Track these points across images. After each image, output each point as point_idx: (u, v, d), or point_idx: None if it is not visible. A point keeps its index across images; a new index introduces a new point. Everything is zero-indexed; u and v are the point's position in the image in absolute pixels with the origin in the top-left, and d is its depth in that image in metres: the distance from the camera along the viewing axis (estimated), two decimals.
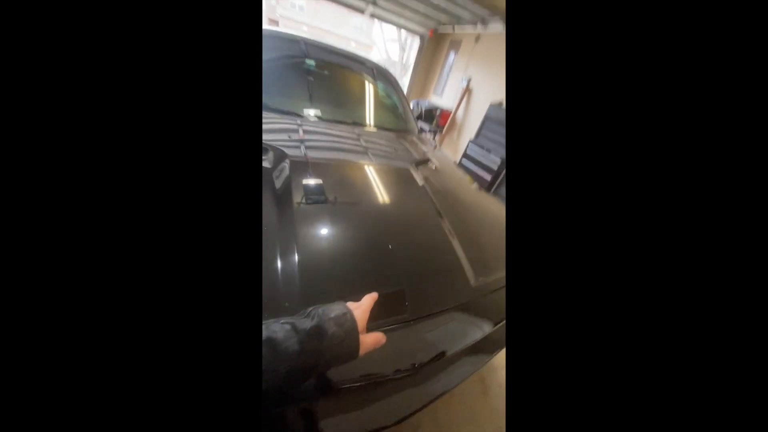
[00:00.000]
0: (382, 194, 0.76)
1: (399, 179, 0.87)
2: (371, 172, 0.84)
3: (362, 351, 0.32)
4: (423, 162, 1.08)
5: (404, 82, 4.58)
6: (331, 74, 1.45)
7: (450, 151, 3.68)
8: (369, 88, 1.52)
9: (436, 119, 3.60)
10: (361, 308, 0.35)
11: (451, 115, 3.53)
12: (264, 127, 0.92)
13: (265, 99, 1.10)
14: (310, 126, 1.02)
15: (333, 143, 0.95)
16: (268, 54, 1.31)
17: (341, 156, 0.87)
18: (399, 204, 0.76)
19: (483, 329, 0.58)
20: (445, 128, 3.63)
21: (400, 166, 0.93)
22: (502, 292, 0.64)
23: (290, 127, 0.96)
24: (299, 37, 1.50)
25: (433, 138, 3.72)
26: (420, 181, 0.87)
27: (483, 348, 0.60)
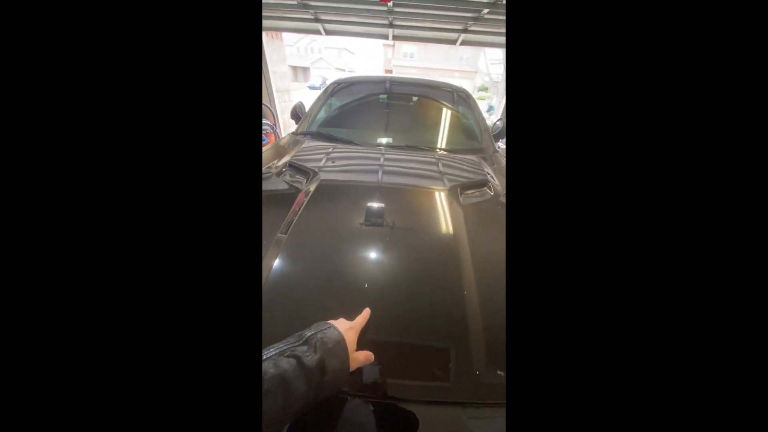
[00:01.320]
0: (402, 217, 0.68)
1: (430, 200, 0.78)
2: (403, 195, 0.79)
3: (353, 368, 0.34)
4: (473, 185, 0.88)
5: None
6: (405, 104, 1.55)
7: None
8: (443, 112, 1.52)
9: None
10: (354, 329, 0.36)
11: None
12: (345, 153, 1.06)
13: (347, 134, 1.29)
14: (376, 153, 1.09)
15: (389, 166, 0.96)
16: (352, 97, 1.60)
17: (389, 179, 0.87)
18: (414, 232, 0.65)
19: None
20: None
21: (430, 187, 0.83)
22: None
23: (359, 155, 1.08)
24: (385, 77, 1.72)
25: None
26: (454, 206, 0.72)
27: None
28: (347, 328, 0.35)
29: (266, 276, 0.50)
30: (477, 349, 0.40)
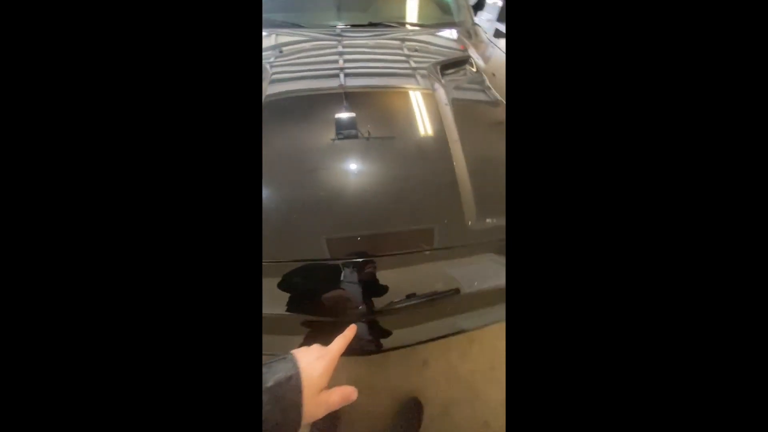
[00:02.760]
0: (386, 121, 0.61)
1: (406, 100, 0.68)
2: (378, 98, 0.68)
3: (321, 414, 0.25)
4: (454, 64, 0.77)
5: None
6: None
7: None
8: None
9: None
10: (326, 357, 0.27)
11: None
12: (296, 46, 0.83)
13: (293, 17, 0.98)
14: (332, 41, 0.86)
15: (354, 63, 0.77)
16: None
17: (357, 82, 0.71)
18: (400, 129, 0.60)
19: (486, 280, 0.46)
20: None
21: (404, 86, 0.70)
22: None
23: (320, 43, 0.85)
24: None
25: None
26: (437, 92, 0.64)
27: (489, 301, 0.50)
28: (315, 358, 0.27)
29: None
30: (468, 208, 0.46)
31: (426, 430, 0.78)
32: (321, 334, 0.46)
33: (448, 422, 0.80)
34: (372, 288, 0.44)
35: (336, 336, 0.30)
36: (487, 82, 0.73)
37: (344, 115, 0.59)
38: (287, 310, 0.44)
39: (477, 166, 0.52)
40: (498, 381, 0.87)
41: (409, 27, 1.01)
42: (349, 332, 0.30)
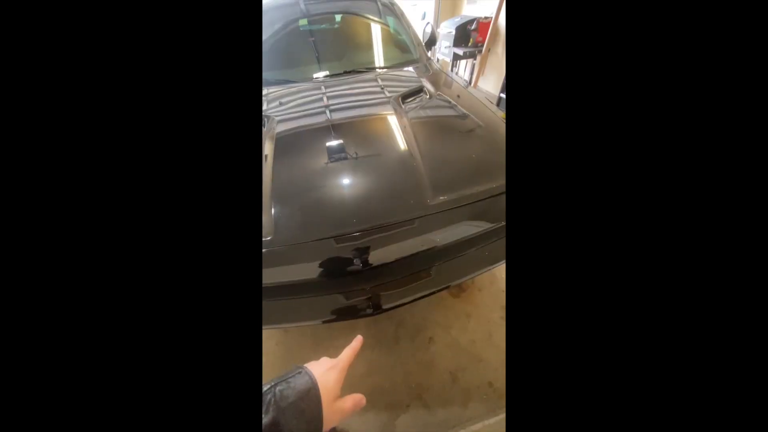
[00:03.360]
0: (358, 141, 0.83)
1: (378, 123, 0.91)
2: (353, 125, 0.90)
3: (338, 421, 0.27)
4: (412, 93, 1.01)
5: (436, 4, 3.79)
6: (330, 27, 1.45)
7: (496, 74, 3.00)
8: (371, 27, 1.47)
9: (473, 37, 2.91)
10: (337, 368, 0.29)
11: (491, 23, 2.76)
12: (287, 99, 1.08)
13: (280, 74, 1.24)
14: (316, 90, 1.11)
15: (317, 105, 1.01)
16: (269, 29, 1.42)
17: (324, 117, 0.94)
18: (373, 144, 0.81)
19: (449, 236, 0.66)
20: (486, 44, 2.91)
21: (376, 112, 0.94)
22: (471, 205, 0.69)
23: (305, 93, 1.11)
24: None
25: (474, 59, 3.08)
26: (398, 119, 0.87)
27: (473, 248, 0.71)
28: (327, 369, 0.28)
29: (268, 222, 0.63)
30: (427, 193, 0.67)
31: (439, 396, 0.89)
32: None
33: (457, 387, 0.91)
34: (366, 255, 0.61)
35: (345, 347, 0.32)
36: (445, 105, 0.97)
37: (333, 143, 0.80)
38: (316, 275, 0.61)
39: (432, 164, 0.73)
40: (496, 346, 0.99)
41: (378, 70, 1.28)
42: (356, 343, 0.32)
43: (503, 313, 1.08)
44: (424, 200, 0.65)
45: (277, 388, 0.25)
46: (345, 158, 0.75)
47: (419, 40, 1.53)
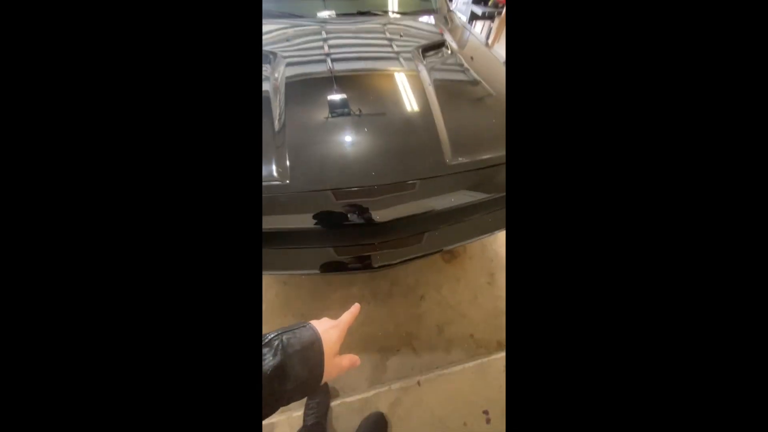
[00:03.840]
0: (378, 98, 0.78)
1: (401, 78, 0.84)
2: (369, 78, 0.84)
3: (334, 376, 0.29)
4: (433, 47, 0.93)
5: None
6: None
7: None
8: None
9: None
10: (338, 326, 0.31)
11: None
12: (282, 33, 0.96)
13: (284, 6, 1.09)
14: (329, 27, 1.01)
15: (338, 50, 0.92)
16: None
17: (349, 66, 0.86)
18: (389, 103, 0.76)
19: (464, 198, 0.67)
20: (507, 7, 2.66)
21: (397, 67, 0.87)
22: (484, 171, 0.69)
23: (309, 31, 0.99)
24: None
25: (492, 21, 2.83)
26: (421, 76, 0.82)
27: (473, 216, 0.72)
28: (329, 327, 0.30)
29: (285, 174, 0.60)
30: (447, 154, 0.67)
31: (426, 344, 1.00)
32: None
33: (442, 337, 1.02)
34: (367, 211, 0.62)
35: (344, 311, 0.34)
36: (465, 65, 0.90)
37: (336, 97, 0.74)
38: (314, 223, 0.62)
39: (453, 127, 0.71)
40: (480, 306, 1.10)
41: (391, 14, 1.15)
42: (355, 309, 0.34)
43: (489, 279, 1.17)
44: (444, 160, 0.66)
45: (284, 336, 0.27)
46: (360, 114, 0.71)
47: None
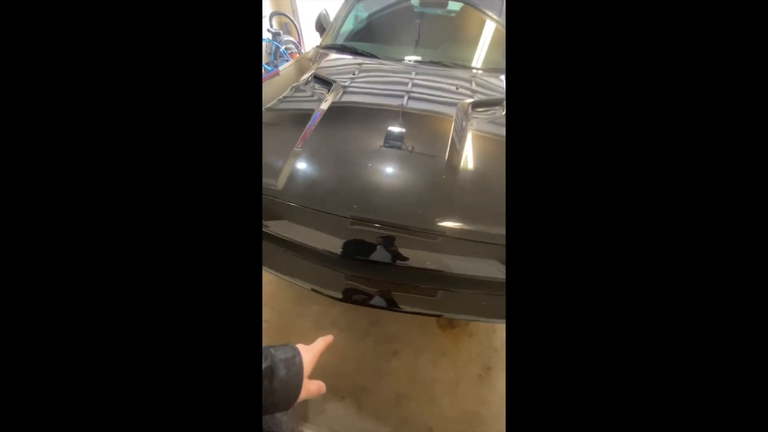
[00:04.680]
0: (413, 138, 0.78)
1: (435, 121, 0.84)
2: (412, 119, 0.86)
3: (302, 397, 0.32)
4: (487, 104, 0.90)
5: None
6: (442, 13, 1.39)
7: None
8: (483, 24, 1.35)
9: None
10: (311, 352, 0.35)
11: None
12: (372, 75, 1.10)
13: (373, 48, 1.26)
14: (404, 73, 1.09)
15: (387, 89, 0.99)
16: (381, 4, 1.44)
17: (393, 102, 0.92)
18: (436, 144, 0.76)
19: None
20: None
21: (438, 111, 0.87)
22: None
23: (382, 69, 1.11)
24: None
25: None
26: (457, 124, 0.79)
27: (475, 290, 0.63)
28: (304, 350, 0.34)
29: (282, 183, 0.65)
30: (440, 211, 0.62)
31: (375, 408, 0.86)
32: None
33: (396, 412, 0.86)
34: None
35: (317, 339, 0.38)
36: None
37: (395, 129, 0.78)
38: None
39: (465, 185, 0.66)
40: (458, 399, 0.89)
41: (471, 69, 1.17)
42: (328, 339, 0.38)
43: (483, 372, 0.95)
44: (433, 217, 0.60)
45: (272, 348, 0.32)
46: (390, 147, 0.73)
47: None
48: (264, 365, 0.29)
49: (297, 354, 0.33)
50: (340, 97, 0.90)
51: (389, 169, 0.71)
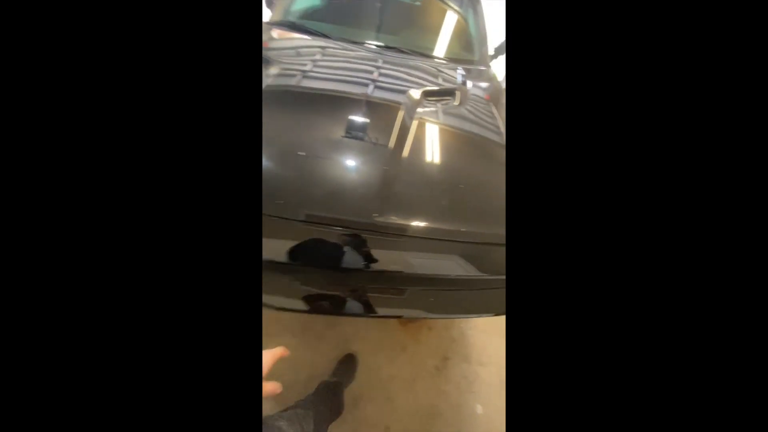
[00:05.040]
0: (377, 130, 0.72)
1: (383, 110, 0.79)
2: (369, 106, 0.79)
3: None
4: (439, 93, 0.87)
5: None
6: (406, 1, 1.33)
7: None
8: (446, 15, 1.31)
9: None
10: (267, 356, 0.36)
11: None
12: (331, 58, 0.99)
13: (329, 29, 1.15)
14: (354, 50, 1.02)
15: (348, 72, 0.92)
16: None
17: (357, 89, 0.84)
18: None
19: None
20: None
21: (388, 98, 0.82)
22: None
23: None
24: None
25: None
26: (405, 113, 0.75)
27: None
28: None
29: None
30: (378, 205, 0.57)
31: None
32: None
33: (353, 414, 0.83)
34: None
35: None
36: (480, 118, 0.83)
37: (358, 119, 0.71)
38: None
39: (409, 177, 0.63)
40: (415, 394, 0.89)
41: (428, 57, 1.14)
42: (279, 350, 0.38)
43: (441, 363, 0.96)
44: (370, 211, 0.55)
45: None
46: (327, 134, 0.66)
47: (486, 42, 1.34)
48: None
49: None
50: (275, 81, 0.80)
51: (324, 159, 0.64)
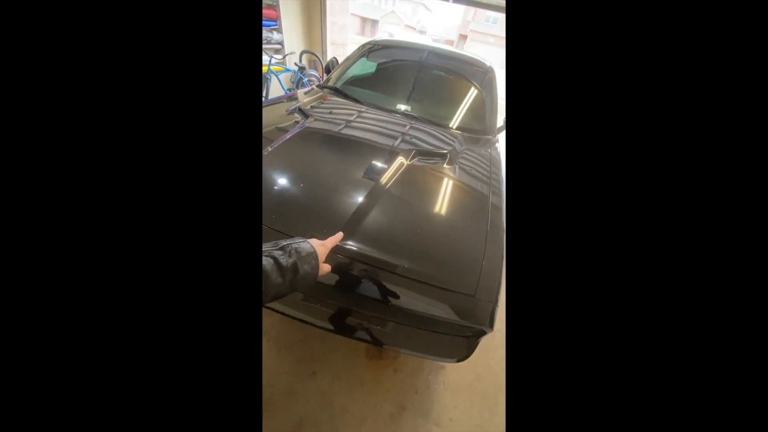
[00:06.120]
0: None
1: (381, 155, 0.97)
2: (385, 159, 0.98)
3: (320, 274, 0.45)
4: (431, 155, 1.03)
5: None
6: (433, 75, 1.63)
7: None
8: (466, 91, 1.58)
9: None
10: (325, 245, 0.48)
11: None
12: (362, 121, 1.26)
13: (365, 96, 1.47)
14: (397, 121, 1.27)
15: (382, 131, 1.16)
16: (384, 60, 1.72)
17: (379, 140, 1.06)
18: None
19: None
20: None
21: (381, 143, 1.03)
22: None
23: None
24: (424, 46, 1.77)
25: None
26: (400, 160, 0.93)
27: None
28: (319, 245, 0.46)
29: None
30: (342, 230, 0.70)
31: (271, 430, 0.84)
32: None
33: None
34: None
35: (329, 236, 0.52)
36: (462, 181, 0.96)
37: (378, 164, 0.90)
38: None
39: (380, 213, 0.76)
40: None
41: (442, 127, 1.34)
42: (338, 236, 0.52)
43: (397, 411, 0.93)
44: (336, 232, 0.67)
45: (293, 245, 0.42)
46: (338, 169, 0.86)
47: (496, 113, 1.54)
48: (290, 262, 0.39)
49: (314, 251, 0.44)
50: (310, 124, 1.07)
51: (328, 190, 0.81)
